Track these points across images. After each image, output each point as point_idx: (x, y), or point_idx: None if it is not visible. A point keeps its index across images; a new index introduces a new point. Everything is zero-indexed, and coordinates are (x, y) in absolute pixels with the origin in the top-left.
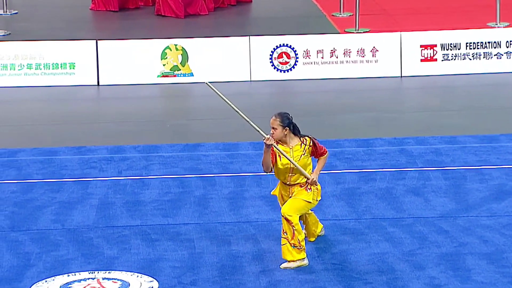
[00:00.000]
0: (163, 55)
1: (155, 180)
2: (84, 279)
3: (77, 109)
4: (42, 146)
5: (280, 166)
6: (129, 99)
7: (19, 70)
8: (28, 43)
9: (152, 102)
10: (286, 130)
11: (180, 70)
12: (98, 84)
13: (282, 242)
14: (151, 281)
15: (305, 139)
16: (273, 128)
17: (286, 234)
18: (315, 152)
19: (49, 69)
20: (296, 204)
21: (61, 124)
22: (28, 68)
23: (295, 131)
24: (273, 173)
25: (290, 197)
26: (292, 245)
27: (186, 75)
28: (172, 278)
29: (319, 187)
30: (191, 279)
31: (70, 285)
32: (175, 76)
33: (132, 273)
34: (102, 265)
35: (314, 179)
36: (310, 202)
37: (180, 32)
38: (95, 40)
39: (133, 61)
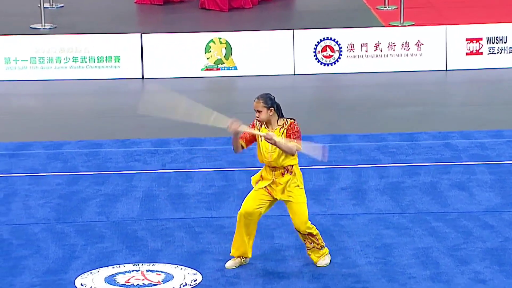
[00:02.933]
0: (207, 49)
1: (199, 173)
2: (129, 271)
3: (121, 102)
4: (87, 138)
5: (263, 150)
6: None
7: (65, 63)
8: (73, 36)
9: (196, 95)
10: (271, 111)
11: (224, 63)
12: (143, 78)
13: (312, 252)
14: (194, 274)
15: (287, 121)
16: (257, 111)
17: (313, 243)
18: (289, 133)
19: (94, 62)
20: (302, 213)
21: (106, 117)
22: (73, 61)
23: (279, 112)
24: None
25: (273, 181)
26: (321, 247)
27: (230, 68)
28: (216, 271)
29: (298, 176)
30: (234, 272)
31: (114, 277)
32: (218, 69)
33: (175, 265)
34: (146, 257)
35: (270, 136)
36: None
37: (224, 25)
38: (139, 34)
39: (177, 54)
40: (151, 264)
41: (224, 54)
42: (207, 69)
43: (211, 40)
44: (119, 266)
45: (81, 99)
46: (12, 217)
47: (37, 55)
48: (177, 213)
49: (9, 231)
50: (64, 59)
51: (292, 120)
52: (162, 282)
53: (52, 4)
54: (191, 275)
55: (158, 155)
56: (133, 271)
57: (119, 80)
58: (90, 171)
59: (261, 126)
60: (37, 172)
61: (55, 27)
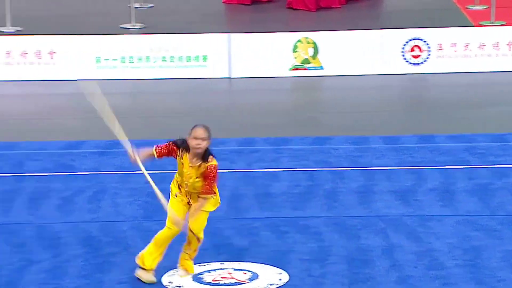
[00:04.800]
0: (294, 48)
1: (285, 173)
2: (215, 270)
3: (208, 101)
4: (174, 137)
5: (185, 176)
6: (260, 91)
7: (154, 62)
8: (162, 36)
9: (282, 95)
10: (207, 143)
11: (310, 63)
12: (230, 77)
13: (187, 257)
14: (280, 273)
15: (210, 160)
16: (201, 139)
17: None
18: (206, 175)
19: (182, 61)
20: (203, 219)
21: (193, 116)
22: (162, 60)
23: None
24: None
25: (188, 202)
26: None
27: (317, 68)
28: (302, 271)
29: (217, 198)
30: (320, 272)
31: (201, 275)
32: (305, 69)
33: (261, 264)
34: (232, 256)
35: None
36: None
37: (312, 25)
38: (227, 33)
39: (265, 54)
40: (238, 262)
41: (311, 54)
42: (294, 69)
43: (299, 40)
44: (206, 265)
45: (169, 98)
46: (101, 214)
47: (127, 55)
48: (263, 212)
49: (99, 228)
50: (153, 58)
51: (215, 164)
52: (248, 281)
53: (142, 4)
54: (277, 274)
55: (244, 155)
56: (219, 269)
57: (207, 79)
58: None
59: (185, 153)
60: (126, 170)
61: (145, 27)
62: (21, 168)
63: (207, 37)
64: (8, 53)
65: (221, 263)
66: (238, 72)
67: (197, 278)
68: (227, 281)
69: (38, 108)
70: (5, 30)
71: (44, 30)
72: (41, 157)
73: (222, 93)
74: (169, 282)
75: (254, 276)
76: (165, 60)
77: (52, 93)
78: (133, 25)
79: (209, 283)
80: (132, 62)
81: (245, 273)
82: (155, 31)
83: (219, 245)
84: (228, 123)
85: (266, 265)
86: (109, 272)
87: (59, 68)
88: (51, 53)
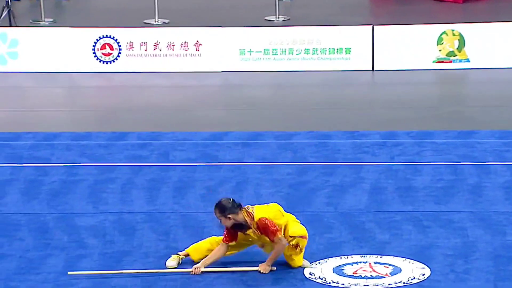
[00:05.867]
0: (439, 41)
1: (428, 167)
2: (356, 263)
3: (351, 94)
4: (317, 129)
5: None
6: (403, 84)
7: (297, 54)
8: (306, 28)
9: (426, 87)
10: (229, 219)
11: (456, 55)
12: (373, 69)
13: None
14: (422, 268)
15: (252, 217)
16: (219, 220)
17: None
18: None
19: (325, 54)
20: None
21: (336, 109)
22: (305, 53)
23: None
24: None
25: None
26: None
27: (462, 61)
28: (445, 266)
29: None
30: (464, 268)
31: (342, 268)
32: (450, 61)
33: (403, 258)
34: (373, 249)
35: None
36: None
37: (458, 17)
38: (371, 26)
39: (409, 46)
40: (379, 256)
41: (456, 46)
42: (438, 61)
43: (444, 32)
44: (347, 257)
45: (312, 90)
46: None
47: (271, 47)
48: (405, 206)
49: None
50: (297, 50)
51: (261, 218)
52: (390, 275)
53: None
54: (419, 269)
55: (387, 148)
56: (360, 262)
57: (349, 72)
58: (319, 162)
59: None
60: (268, 162)
61: (289, 19)
62: (167, 158)
63: (350, 29)
64: (156, 44)
65: (362, 256)
66: (381, 64)
67: (338, 270)
68: (368, 274)
69: (183, 99)
70: (153, 22)
71: (191, 22)
72: (186, 147)
73: (365, 86)
74: (311, 273)
75: (396, 270)
76: (308, 52)
77: (197, 85)
78: (277, 18)
79: (350, 276)
80: (276, 54)
81: (387, 267)
82: (298, 23)
83: (360, 238)
84: (371, 116)
85: (408, 259)
86: (251, 261)
87: (205, 60)
88: (197, 45)
